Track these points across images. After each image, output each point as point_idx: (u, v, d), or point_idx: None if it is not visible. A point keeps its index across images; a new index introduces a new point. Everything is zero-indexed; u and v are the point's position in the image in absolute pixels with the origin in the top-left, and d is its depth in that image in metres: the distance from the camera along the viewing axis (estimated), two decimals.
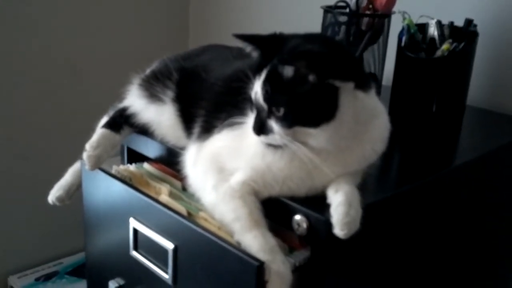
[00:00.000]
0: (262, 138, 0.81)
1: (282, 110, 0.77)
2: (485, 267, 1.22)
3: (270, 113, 0.79)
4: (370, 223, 0.78)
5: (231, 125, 0.89)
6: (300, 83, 0.76)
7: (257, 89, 0.81)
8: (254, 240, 0.78)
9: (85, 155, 1.00)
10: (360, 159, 0.84)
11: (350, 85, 0.78)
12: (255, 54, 0.85)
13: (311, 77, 0.76)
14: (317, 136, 0.78)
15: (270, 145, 0.81)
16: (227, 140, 0.89)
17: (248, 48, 0.85)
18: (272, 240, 0.79)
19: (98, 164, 1.01)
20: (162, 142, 1.04)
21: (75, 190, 1.13)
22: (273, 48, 0.81)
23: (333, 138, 0.78)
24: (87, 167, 1.00)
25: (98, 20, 1.87)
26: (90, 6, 1.84)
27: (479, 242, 1.16)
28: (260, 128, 0.81)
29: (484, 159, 1.07)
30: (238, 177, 0.84)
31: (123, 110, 1.08)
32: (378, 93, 0.95)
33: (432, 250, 1.01)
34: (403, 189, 0.91)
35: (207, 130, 0.93)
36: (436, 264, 1.04)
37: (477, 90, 1.31)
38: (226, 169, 0.87)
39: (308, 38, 0.83)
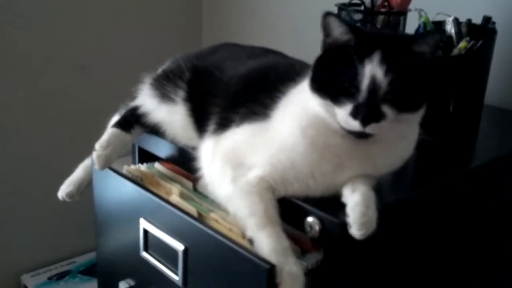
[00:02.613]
0: (370, 127, 0.74)
1: (397, 94, 0.74)
2: (505, 271, 1.19)
3: (382, 100, 0.74)
4: (385, 225, 0.76)
5: (252, 118, 0.87)
6: (423, 62, 0.76)
7: (367, 74, 0.74)
8: (267, 238, 0.76)
9: (94, 155, 0.99)
10: (397, 159, 0.84)
11: None
12: (345, 39, 0.78)
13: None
14: (411, 121, 0.79)
15: (362, 135, 0.76)
16: (247, 134, 0.87)
17: (344, 34, 0.78)
18: (285, 241, 0.77)
19: (108, 164, 1.00)
20: (173, 142, 1.03)
21: (86, 186, 1.12)
22: (367, 39, 0.77)
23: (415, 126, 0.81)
24: (96, 166, 1.00)
25: (110, 18, 1.87)
26: (101, 5, 1.83)
27: (498, 246, 1.13)
28: (370, 116, 0.74)
29: (502, 160, 1.05)
30: (256, 172, 0.82)
31: (134, 109, 1.07)
32: None
33: (448, 254, 0.99)
34: (419, 191, 0.89)
35: (224, 125, 0.91)
36: (453, 268, 1.01)
37: (495, 89, 1.29)
38: (245, 164, 0.85)
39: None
